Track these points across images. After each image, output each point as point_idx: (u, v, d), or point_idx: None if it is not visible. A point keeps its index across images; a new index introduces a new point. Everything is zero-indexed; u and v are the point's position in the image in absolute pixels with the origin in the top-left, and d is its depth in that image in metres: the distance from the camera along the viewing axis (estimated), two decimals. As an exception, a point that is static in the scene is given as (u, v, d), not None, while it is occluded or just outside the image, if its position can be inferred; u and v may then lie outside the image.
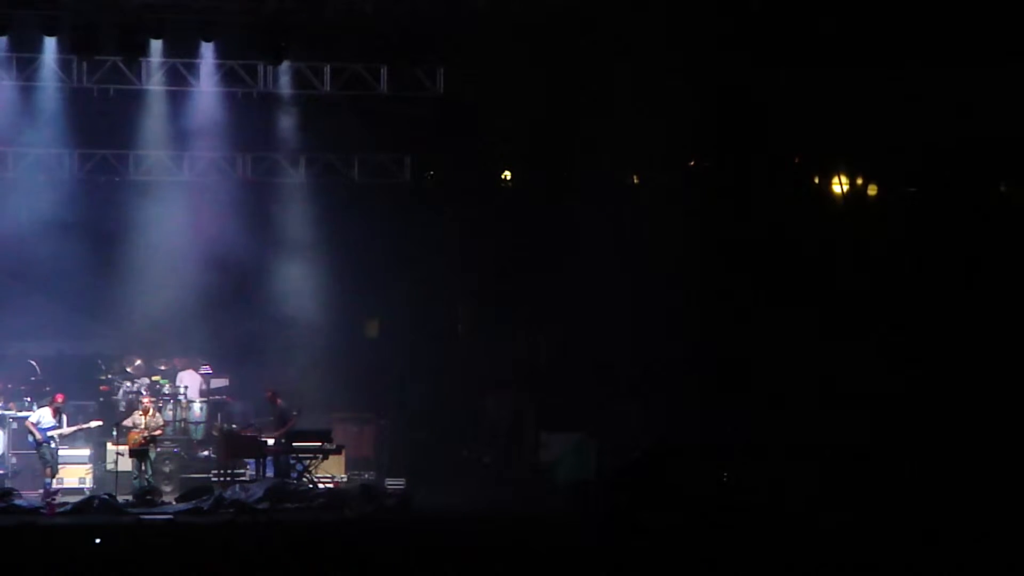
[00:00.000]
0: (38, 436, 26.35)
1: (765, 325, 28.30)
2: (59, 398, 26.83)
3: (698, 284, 28.58)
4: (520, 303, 30.19)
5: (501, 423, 30.01)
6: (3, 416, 27.99)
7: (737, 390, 27.87)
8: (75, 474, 27.36)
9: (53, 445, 26.46)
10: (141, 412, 27.09)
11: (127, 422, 27.04)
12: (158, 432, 27.12)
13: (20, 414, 27.83)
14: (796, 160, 30.12)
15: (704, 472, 25.71)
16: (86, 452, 27.77)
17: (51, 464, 26.39)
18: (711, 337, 28.73)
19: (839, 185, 30.55)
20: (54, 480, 26.55)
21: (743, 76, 28.28)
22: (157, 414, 27.41)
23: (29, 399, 28.17)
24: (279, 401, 28.13)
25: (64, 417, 26.87)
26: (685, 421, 27.58)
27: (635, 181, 30.91)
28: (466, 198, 30.36)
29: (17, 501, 25.45)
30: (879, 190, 30.42)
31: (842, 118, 28.19)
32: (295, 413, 28.00)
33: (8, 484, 26.63)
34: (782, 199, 29.44)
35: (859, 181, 30.49)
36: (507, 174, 31.21)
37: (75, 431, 26.93)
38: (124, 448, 27.04)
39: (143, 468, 26.79)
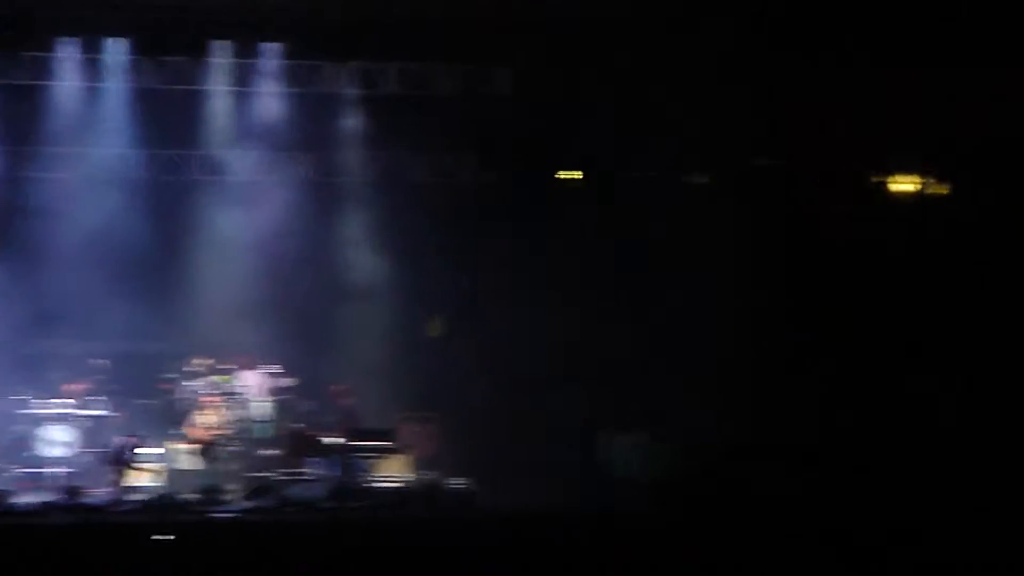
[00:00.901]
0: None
1: (829, 326, 28.17)
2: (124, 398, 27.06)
3: (760, 284, 28.45)
4: (586, 301, 30.10)
5: (567, 422, 29.93)
6: (70, 415, 28.20)
7: (805, 390, 27.72)
8: (142, 472, 27.52)
9: (121, 443, 26.65)
10: (204, 411, 27.22)
11: (191, 421, 27.18)
12: (222, 431, 27.26)
13: (87, 413, 28.06)
14: (853, 161, 29.93)
15: (774, 473, 25.61)
16: (152, 451, 27.95)
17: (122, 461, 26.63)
18: (775, 336, 28.60)
19: (896, 185, 30.35)
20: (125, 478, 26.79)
21: (799, 74, 28.17)
22: (220, 413, 27.52)
23: (95, 398, 28.39)
24: (344, 399, 28.18)
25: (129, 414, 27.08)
26: (754, 421, 27.48)
27: (701, 181, 30.75)
28: (529, 197, 30.30)
29: (84, 499, 25.57)
30: (938, 191, 30.22)
31: (902, 118, 28.02)
32: (356, 413, 28.06)
33: (77, 482, 26.79)
34: (839, 200, 29.28)
35: (918, 183, 30.28)
36: (572, 173, 31.11)
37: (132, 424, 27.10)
38: (189, 447, 27.21)
39: (208, 467, 26.92)
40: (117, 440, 26.88)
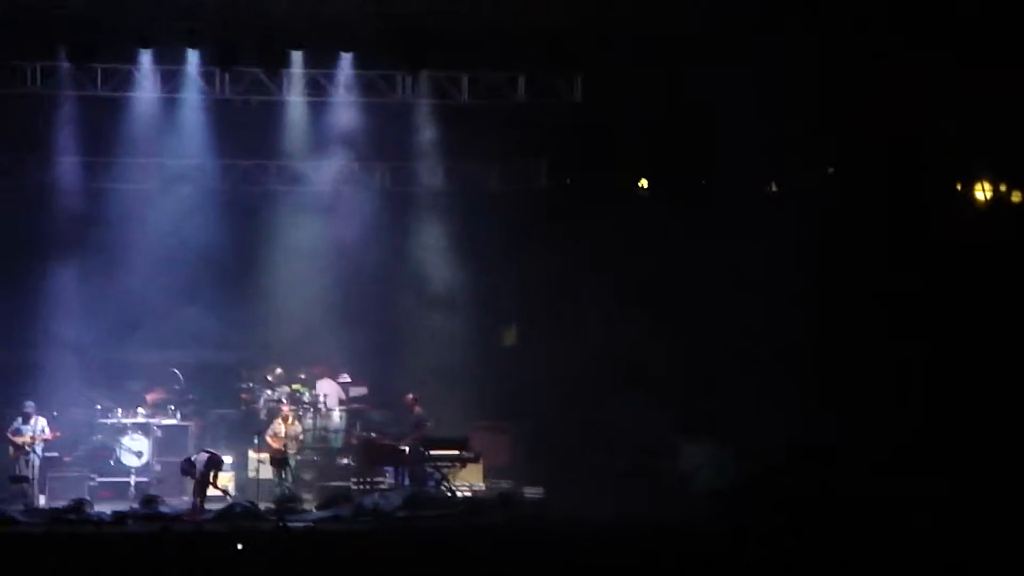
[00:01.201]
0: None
1: (905, 330, 27.97)
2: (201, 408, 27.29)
3: (837, 290, 28.29)
4: (657, 310, 30.02)
5: (638, 431, 29.86)
6: (148, 424, 28.47)
7: (879, 395, 27.54)
8: (218, 482, 27.70)
9: (197, 453, 26.89)
10: (280, 420, 27.42)
11: (268, 431, 27.36)
12: (297, 440, 27.44)
13: (164, 422, 28.31)
14: (938, 165, 29.63)
15: (844, 477, 25.46)
16: (228, 460, 28.18)
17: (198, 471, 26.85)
18: (851, 342, 28.44)
19: (982, 191, 30.03)
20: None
21: (881, 79, 27.98)
22: (296, 423, 27.70)
23: (172, 407, 28.65)
24: (417, 408, 28.30)
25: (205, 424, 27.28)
26: (826, 426, 27.33)
27: (773, 188, 30.60)
28: (602, 205, 30.26)
29: (161, 508, 25.82)
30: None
31: (987, 121, 27.75)
32: (427, 422, 28.17)
33: (153, 491, 27.03)
34: (923, 205, 29.03)
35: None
36: (644, 181, 31.05)
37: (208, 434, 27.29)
38: (265, 456, 27.40)
39: (283, 476, 27.12)
40: (194, 449, 27.14)
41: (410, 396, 28.51)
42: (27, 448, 26.75)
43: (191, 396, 28.54)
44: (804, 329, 27.92)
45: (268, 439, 27.26)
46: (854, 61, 27.66)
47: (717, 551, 21.83)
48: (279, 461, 27.10)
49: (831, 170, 30.01)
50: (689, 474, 28.31)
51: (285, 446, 27.17)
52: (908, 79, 27.60)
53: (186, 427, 28.41)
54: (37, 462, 26.89)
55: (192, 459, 26.54)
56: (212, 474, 26.32)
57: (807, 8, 27.05)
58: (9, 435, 26.90)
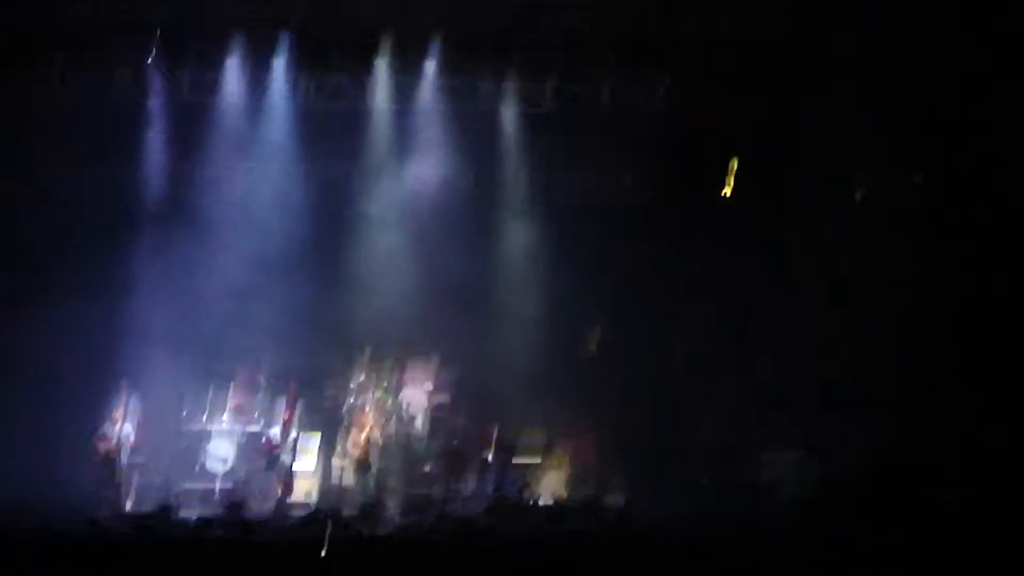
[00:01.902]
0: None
1: (986, 340, 27.72)
2: (286, 414, 27.41)
3: (921, 301, 28.07)
4: (739, 320, 29.92)
5: (720, 439, 29.76)
6: (233, 430, 28.64)
7: (965, 408, 27.30)
8: (301, 488, 27.89)
9: (282, 459, 27.06)
10: (358, 428, 27.48)
11: (352, 436, 27.43)
12: (379, 447, 27.49)
13: (249, 428, 28.48)
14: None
15: (929, 492, 25.24)
16: (312, 466, 28.33)
17: (282, 477, 27.02)
18: (934, 352, 28.22)
19: None
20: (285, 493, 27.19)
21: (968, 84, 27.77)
22: (376, 429, 27.74)
23: (257, 413, 28.80)
24: (499, 415, 28.18)
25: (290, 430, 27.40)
26: (910, 438, 27.12)
27: (858, 198, 30.35)
28: (686, 215, 30.17)
29: (245, 514, 25.93)
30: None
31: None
32: (513, 427, 28.12)
33: (240, 496, 27.19)
34: (1011, 212, 28.74)
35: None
36: (727, 191, 30.90)
37: (293, 440, 27.37)
38: (350, 462, 27.47)
39: (367, 482, 27.19)
40: (279, 455, 27.27)
41: (492, 403, 28.39)
42: (113, 454, 26.98)
43: (277, 401, 28.49)
44: (896, 340, 27.76)
45: (349, 447, 27.35)
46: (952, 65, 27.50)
47: (799, 562, 21.75)
48: (363, 467, 27.18)
49: (918, 179, 29.80)
50: (772, 484, 28.18)
51: (366, 453, 27.23)
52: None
53: (272, 432, 28.43)
54: (123, 467, 27.11)
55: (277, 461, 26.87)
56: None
57: (908, 9, 26.90)
58: (96, 440, 27.14)
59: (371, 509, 26.45)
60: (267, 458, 27.19)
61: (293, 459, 27.63)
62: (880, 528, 23.98)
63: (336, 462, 27.78)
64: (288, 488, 27.40)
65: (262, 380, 29.76)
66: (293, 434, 27.46)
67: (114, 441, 26.97)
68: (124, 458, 27.13)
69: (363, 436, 27.35)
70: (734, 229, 30.00)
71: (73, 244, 28.94)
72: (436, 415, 29.41)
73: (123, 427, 27.08)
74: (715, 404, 29.89)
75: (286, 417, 27.33)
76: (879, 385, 27.92)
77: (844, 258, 28.52)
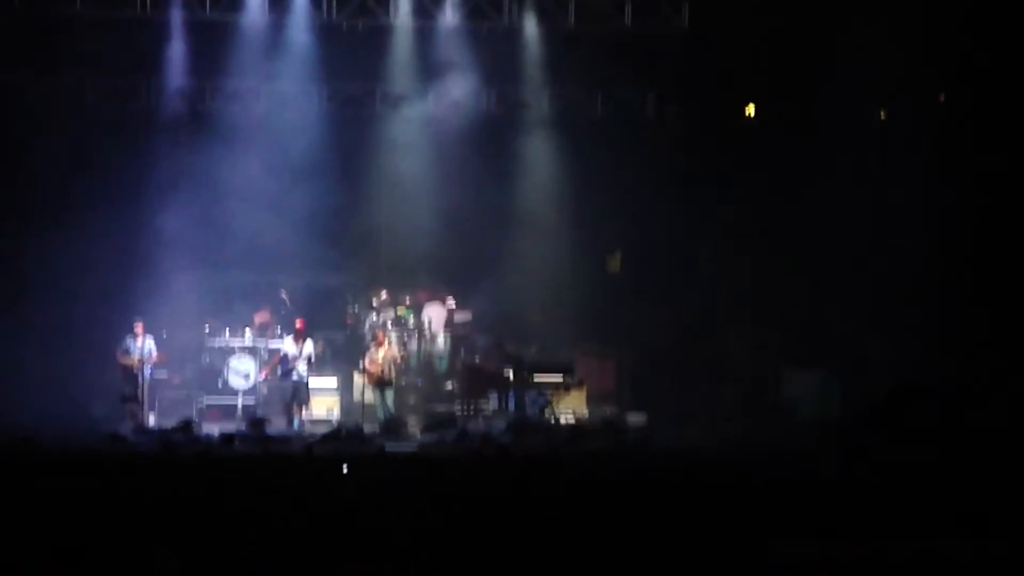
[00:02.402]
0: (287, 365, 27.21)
1: (1006, 267, 27.61)
2: (299, 324, 27.45)
3: (944, 221, 27.94)
4: (763, 238, 29.83)
5: (742, 359, 29.74)
6: (255, 346, 28.74)
7: (985, 332, 27.20)
8: (323, 405, 28.00)
9: (295, 375, 27.13)
10: (376, 345, 27.52)
11: (373, 355, 27.45)
12: (395, 364, 27.53)
13: (270, 345, 28.57)
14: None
15: (951, 415, 25.16)
16: (333, 383, 28.44)
17: (297, 396, 27.10)
18: (958, 275, 28.11)
19: None
20: (302, 410, 27.27)
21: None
22: (392, 347, 27.77)
23: (279, 329, 28.88)
24: (520, 334, 28.17)
25: (305, 344, 27.42)
26: (933, 361, 27.06)
27: (881, 116, 30.15)
28: (709, 132, 30.03)
29: (268, 430, 26.03)
30: None
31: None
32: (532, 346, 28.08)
33: (260, 413, 27.31)
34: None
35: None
36: (750, 108, 30.71)
37: (309, 355, 27.41)
38: (370, 380, 27.50)
39: (383, 400, 27.26)
40: (299, 372, 27.33)
41: (513, 322, 28.36)
42: (136, 368, 27.10)
43: (298, 319, 28.53)
44: (918, 262, 27.66)
45: (366, 364, 27.39)
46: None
47: (818, 480, 21.72)
48: (384, 384, 27.23)
49: (942, 97, 29.57)
50: (794, 403, 28.18)
51: (383, 371, 27.27)
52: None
53: (292, 350, 28.48)
54: (146, 382, 27.24)
55: (297, 379, 27.03)
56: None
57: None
58: (119, 355, 27.24)
59: (392, 426, 26.55)
60: (288, 374, 27.22)
61: (312, 375, 27.69)
62: (900, 448, 23.97)
63: (357, 379, 27.82)
64: (309, 404, 27.49)
65: (284, 296, 29.86)
66: (314, 351, 27.44)
67: (136, 356, 27.03)
68: (147, 373, 27.22)
69: (376, 355, 27.34)
70: (758, 147, 29.86)
71: (98, 156, 28.94)
72: (458, 333, 29.48)
73: (145, 342, 27.13)
74: (738, 323, 29.88)
75: (306, 333, 27.34)
76: (904, 306, 27.85)
77: (868, 177, 28.38)
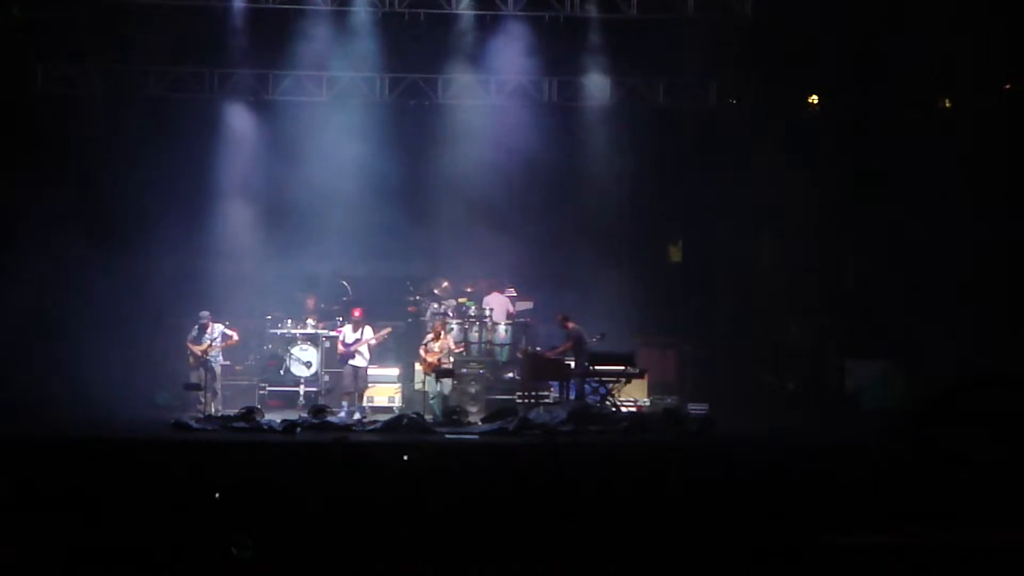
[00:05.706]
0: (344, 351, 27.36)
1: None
2: (356, 313, 27.54)
3: (1011, 210, 27.72)
4: (826, 229, 29.69)
5: (805, 349, 29.64)
6: (316, 335, 28.87)
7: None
8: (384, 393, 28.18)
9: (357, 362, 27.22)
10: (432, 336, 27.55)
11: (435, 343, 27.48)
12: (452, 354, 27.55)
13: (332, 333, 28.69)
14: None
15: (1015, 405, 24.93)
16: (395, 372, 28.56)
17: (356, 383, 27.20)
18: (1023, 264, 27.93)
19: None
20: (363, 399, 27.36)
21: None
22: (448, 336, 27.79)
23: (340, 318, 29.01)
24: (570, 325, 28.13)
25: (364, 332, 27.51)
26: (997, 351, 26.85)
27: (947, 105, 29.90)
28: (772, 123, 29.89)
29: (330, 418, 26.15)
30: None
31: None
32: (585, 337, 27.98)
33: (322, 401, 27.43)
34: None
35: None
36: (814, 98, 30.54)
37: (367, 342, 27.48)
38: (432, 368, 27.52)
39: (449, 388, 27.30)
40: (360, 361, 27.42)
41: (561, 316, 28.32)
42: (205, 357, 27.30)
43: (360, 308, 28.57)
44: (983, 251, 27.47)
45: (422, 353, 27.43)
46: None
47: (880, 471, 21.61)
48: (445, 373, 27.26)
49: (1007, 86, 29.31)
50: (856, 393, 28.04)
51: (439, 360, 27.30)
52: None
53: (355, 339, 28.56)
54: (217, 370, 27.45)
55: (358, 368, 27.15)
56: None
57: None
58: (188, 344, 27.47)
59: (453, 414, 26.58)
60: (350, 363, 27.32)
61: (373, 365, 27.81)
62: (963, 439, 23.77)
63: (418, 368, 27.88)
64: (368, 392, 27.65)
65: (346, 286, 29.94)
66: (376, 340, 27.53)
67: (205, 345, 27.26)
68: (216, 361, 27.43)
69: (432, 345, 27.37)
70: (821, 137, 29.71)
71: (163, 149, 29.13)
72: (519, 323, 29.47)
73: (213, 330, 27.35)
74: (800, 312, 29.77)
75: (356, 318, 27.45)
76: (968, 295, 27.66)
77: (932, 166, 28.19)
